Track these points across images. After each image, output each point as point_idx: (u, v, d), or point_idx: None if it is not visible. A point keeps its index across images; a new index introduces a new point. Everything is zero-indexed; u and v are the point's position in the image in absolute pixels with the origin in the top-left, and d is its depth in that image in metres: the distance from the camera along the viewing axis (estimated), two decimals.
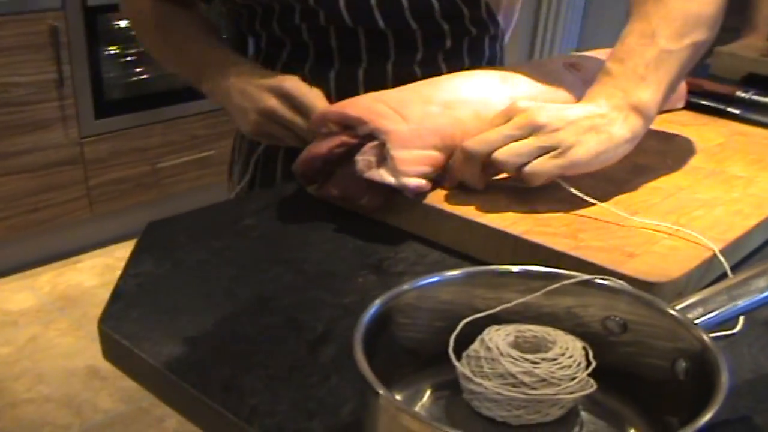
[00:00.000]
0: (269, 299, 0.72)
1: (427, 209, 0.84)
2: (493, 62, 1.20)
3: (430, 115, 0.87)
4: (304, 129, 0.97)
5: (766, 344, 0.69)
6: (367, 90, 1.05)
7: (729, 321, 0.59)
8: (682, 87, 1.24)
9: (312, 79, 1.05)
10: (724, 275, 0.79)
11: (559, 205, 0.85)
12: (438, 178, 0.87)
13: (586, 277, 0.59)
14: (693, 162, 1.00)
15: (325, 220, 0.87)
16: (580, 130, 0.81)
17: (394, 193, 0.84)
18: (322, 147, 0.85)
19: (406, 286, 0.57)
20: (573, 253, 0.75)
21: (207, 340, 0.66)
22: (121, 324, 0.68)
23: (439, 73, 1.06)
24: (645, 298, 0.57)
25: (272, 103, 0.97)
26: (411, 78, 1.02)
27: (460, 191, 0.87)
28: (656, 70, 0.86)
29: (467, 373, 0.54)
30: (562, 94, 0.99)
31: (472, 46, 1.15)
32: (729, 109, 1.33)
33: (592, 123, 0.82)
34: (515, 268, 0.60)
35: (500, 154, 0.81)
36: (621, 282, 0.59)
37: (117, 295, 0.72)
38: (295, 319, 0.69)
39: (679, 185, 0.93)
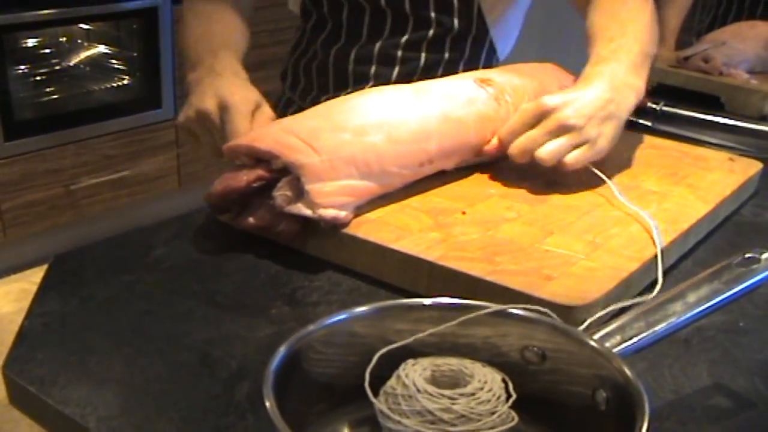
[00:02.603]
0: (181, 336, 0.70)
1: (340, 236, 0.83)
2: (472, 62, 1.32)
3: (342, 144, 0.85)
4: (219, 143, 0.97)
5: (685, 364, 0.70)
6: (356, 66, 1.29)
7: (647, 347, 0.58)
8: None
9: (321, 51, 1.30)
10: (645, 291, 0.80)
11: (475, 228, 0.85)
12: (359, 205, 0.86)
13: (500, 307, 0.58)
14: (607, 177, 1.01)
15: (238, 249, 0.85)
16: (599, 121, 0.96)
17: (311, 220, 0.82)
18: (240, 181, 0.83)
19: (311, 327, 0.56)
20: (489, 278, 0.75)
21: (117, 382, 0.63)
22: (27, 368, 0.65)
23: (418, 61, 1.28)
24: (562, 328, 0.57)
25: (210, 106, 0.98)
26: (392, 59, 1.27)
27: (374, 217, 0.86)
28: (642, 64, 1.05)
29: (385, 410, 0.52)
30: (472, 110, 0.99)
31: (454, 44, 1.29)
32: (640, 121, 1.35)
33: (606, 112, 0.97)
34: (427, 301, 0.59)
35: (542, 153, 0.94)
36: (538, 311, 0.58)
37: (22, 336, 0.69)
38: (209, 355, 0.67)
39: (595, 202, 0.94)
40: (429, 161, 0.93)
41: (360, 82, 1.29)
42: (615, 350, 0.56)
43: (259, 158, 0.86)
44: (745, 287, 0.63)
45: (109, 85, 2.82)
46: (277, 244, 0.86)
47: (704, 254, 0.92)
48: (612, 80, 1.00)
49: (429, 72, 1.27)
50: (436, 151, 0.93)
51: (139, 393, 0.62)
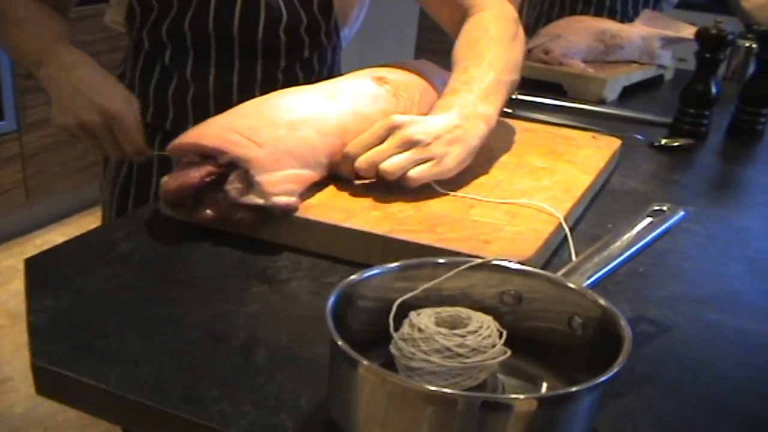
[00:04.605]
0: (182, 316, 0.77)
1: (293, 220, 0.92)
2: (332, 69, 1.44)
3: (280, 138, 0.95)
4: (108, 147, 1.06)
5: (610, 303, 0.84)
6: (240, 91, 1.31)
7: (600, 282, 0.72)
8: None
9: (194, 83, 1.30)
10: (555, 252, 0.94)
11: (408, 206, 0.96)
12: (304, 191, 0.95)
13: (492, 259, 0.70)
14: (499, 158, 1.15)
15: (195, 240, 0.93)
16: (446, 142, 1.00)
17: (264, 208, 0.91)
18: (193, 177, 0.91)
19: (355, 277, 0.66)
20: (438, 245, 0.86)
21: (145, 359, 0.71)
22: (54, 358, 0.70)
23: (296, 79, 1.35)
24: (535, 272, 0.69)
25: (94, 121, 1.04)
26: (275, 82, 1.32)
27: (317, 202, 0.96)
28: (494, 93, 1.11)
29: (410, 350, 0.63)
30: (377, 107, 1.10)
31: (320, 55, 1.38)
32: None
33: (453, 135, 1.01)
34: (441, 260, 0.70)
35: (386, 166, 0.97)
36: (513, 262, 0.71)
37: (34, 332, 0.74)
38: (216, 330, 0.75)
39: (498, 179, 1.07)
40: None
41: None
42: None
43: (205, 155, 0.94)
44: (661, 231, 0.78)
45: None
46: (229, 232, 0.94)
47: (593, 217, 1.07)
48: (461, 110, 1.05)
49: None
50: None
51: (170, 366, 0.70)
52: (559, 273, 0.72)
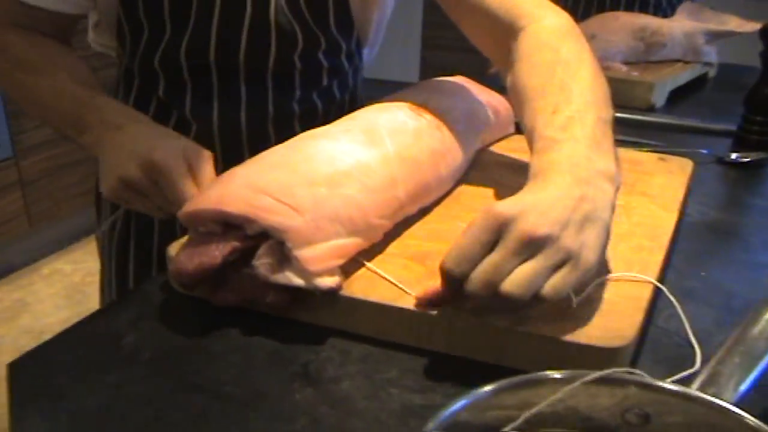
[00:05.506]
0: None
1: (339, 300, 0.76)
2: (355, 93, 1.25)
3: (321, 200, 0.78)
4: (159, 203, 0.89)
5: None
6: (250, 128, 1.13)
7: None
8: (509, 111, 1.23)
9: (194, 118, 1.11)
10: (654, 313, 0.78)
11: None
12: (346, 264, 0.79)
13: (603, 373, 0.53)
14: None
15: (218, 326, 0.77)
16: (576, 228, 0.69)
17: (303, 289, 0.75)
18: (214, 258, 0.74)
19: (455, 407, 0.50)
20: (519, 327, 0.70)
21: None
22: None
23: (315, 110, 1.17)
24: (672, 390, 0.53)
25: (133, 173, 0.87)
26: (291, 116, 1.15)
27: (361, 273, 0.80)
28: (603, 137, 0.80)
29: None
30: (423, 145, 0.93)
31: (341, 82, 1.20)
32: None
33: (582, 214, 0.70)
34: (555, 374, 0.54)
35: (512, 288, 0.66)
36: (635, 372, 0.54)
37: None
38: None
39: None
40: (400, 207, 0.87)
41: (257, 145, 1.04)
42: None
43: (228, 223, 0.77)
44: None
45: None
46: (260, 314, 0.78)
47: (680, 263, 0.91)
48: (574, 171, 0.75)
49: (327, 117, 1.17)
50: (404, 197, 0.87)
51: None
52: (695, 385, 0.56)
